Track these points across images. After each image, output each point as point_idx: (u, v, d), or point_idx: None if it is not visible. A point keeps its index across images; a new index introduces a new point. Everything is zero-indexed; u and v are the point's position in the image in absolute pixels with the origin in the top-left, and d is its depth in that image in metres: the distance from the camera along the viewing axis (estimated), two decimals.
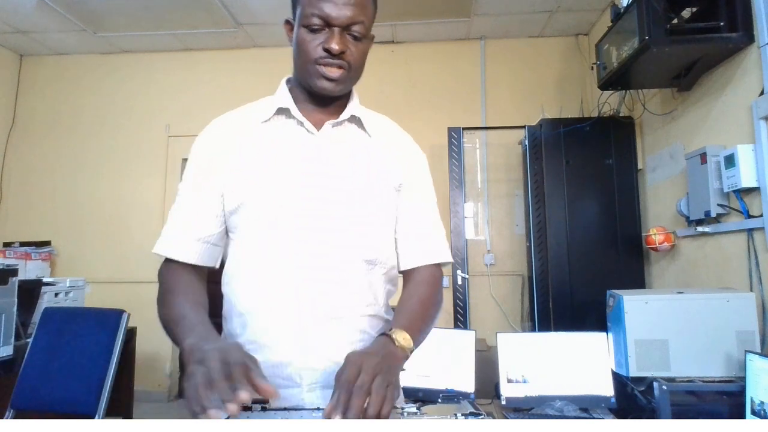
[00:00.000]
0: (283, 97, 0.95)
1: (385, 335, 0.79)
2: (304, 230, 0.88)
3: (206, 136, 0.97)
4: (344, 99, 0.97)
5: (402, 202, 0.97)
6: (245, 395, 0.58)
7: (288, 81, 0.99)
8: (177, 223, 0.93)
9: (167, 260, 0.92)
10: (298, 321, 0.86)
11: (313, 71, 0.88)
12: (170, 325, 0.83)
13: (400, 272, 0.99)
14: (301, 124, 0.93)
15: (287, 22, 0.94)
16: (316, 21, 0.85)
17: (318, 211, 0.89)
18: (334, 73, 0.87)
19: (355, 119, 0.97)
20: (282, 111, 0.94)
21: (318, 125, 0.94)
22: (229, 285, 0.93)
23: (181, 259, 0.91)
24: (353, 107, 0.96)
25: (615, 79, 2.47)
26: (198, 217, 0.92)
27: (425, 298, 0.93)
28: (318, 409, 0.77)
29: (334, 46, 0.85)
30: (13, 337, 2.20)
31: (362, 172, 0.93)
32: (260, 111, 0.96)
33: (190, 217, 0.92)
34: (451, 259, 1.02)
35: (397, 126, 1.05)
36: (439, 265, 1.00)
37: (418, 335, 0.84)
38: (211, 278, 0.97)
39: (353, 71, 0.90)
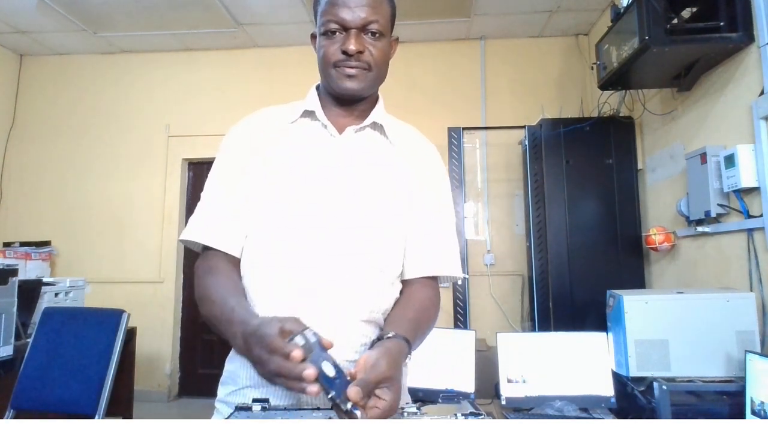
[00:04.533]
0: (311, 100, 0.97)
1: (383, 339, 0.79)
2: (315, 232, 0.89)
3: (238, 131, 0.99)
4: (370, 105, 0.98)
5: (415, 212, 0.97)
6: (311, 374, 0.64)
7: (318, 87, 1.00)
8: (212, 213, 0.92)
9: (204, 252, 0.92)
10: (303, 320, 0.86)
11: (334, 74, 0.90)
12: (217, 320, 0.82)
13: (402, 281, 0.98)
14: (325, 126, 0.95)
15: (313, 36, 0.96)
16: (333, 26, 0.88)
17: (331, 215, 0.89)
18: (353, 70, 0.89)
19: (377, 126, 0.98)
20: (308, 113, 0.97)
21: (341, 129, 0.95)
22: (244, 278, 0.93)
23: (220, 248, 0.90)
24: (377, 114, 0.98)
25: (615, 79, 2.47)
26: (233, 210, 0.92)
27: (419, 309, 0.92)
28: (318, 409, 0.77)
29: (351, 47, 0.87)
30: (13, 337, 2.20)
31: (380, 179, 0.94)
32: (289, 112, 0.98)
33: (226, 209, 0.92)
34: (460, 275, 1.00)
35: (422, 136, 1.05)
36: (437, 283, 0.99)
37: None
38: None
39: (374, 70, 0.91)
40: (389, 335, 0.80)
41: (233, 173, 0.94)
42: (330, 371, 0.65)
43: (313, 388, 0.64)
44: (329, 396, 0.64)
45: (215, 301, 0.84)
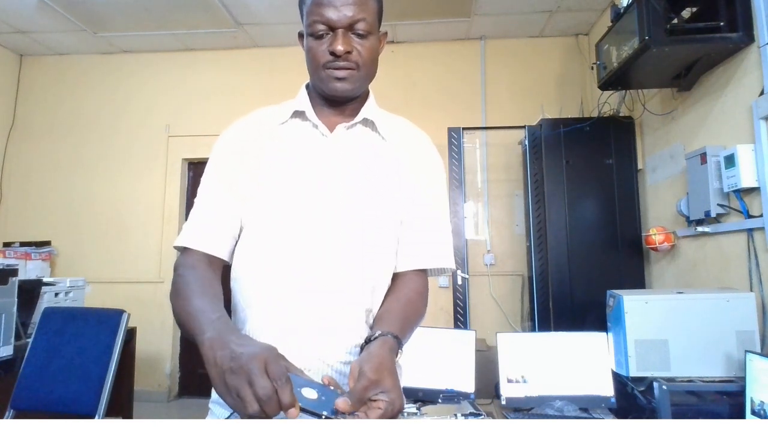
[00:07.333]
0: (302, 100, 0.97)
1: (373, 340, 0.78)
2: (309, 233, 0.88)
3: (227, 136, 0.98)
4: (360, 102, 0.98)
5: (409, 205, 0.96)
6: (294, 413, 0.59)
7: (307, 86, 1.00)
8: (199, 218, 0.93)
9: (185, 252, 0.92)
10: (295, 322, 0.86)
11: (323, 76, 0.90)
12: (186, 318, 0.78)
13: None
14: (316, 126, 0.95)
15: (300, 35, 0.96)
16: (319, 27, 0.87)
17: (325, 214, 0.89)
18: (342, 72, 0.89)
19: (368, 122, 0.97)
20: (298, 114, 0.96)
21: (332, 128, 0.95)
22: (236, 281, 0.94)
23: (200, 249, 0.90)
24: (367, 110, 0.97)
25: (615, 79, 2.47)
26: (218, 213, 0.92)
27: (406, 303, 0.91)
28: None
29: (339, 48, 0.86)
30: (13, 337, 2.20)
31: (372, 176, 0.93)
32: (279, 113, 0.97)
33: (211, 212, 0.92)
34: (451, 266, 0.99)
35: (414, 128, 1.05)
36: (426, 275, 0.99)
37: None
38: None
39: (363, 70, 0.91)
40: (376, 335, 0.79)
41: (223, 178, 0.94)
42: (312, 395, 0.63)
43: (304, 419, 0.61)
44: (322, 417, 0.62)
45: (185, 296, 0.82)
